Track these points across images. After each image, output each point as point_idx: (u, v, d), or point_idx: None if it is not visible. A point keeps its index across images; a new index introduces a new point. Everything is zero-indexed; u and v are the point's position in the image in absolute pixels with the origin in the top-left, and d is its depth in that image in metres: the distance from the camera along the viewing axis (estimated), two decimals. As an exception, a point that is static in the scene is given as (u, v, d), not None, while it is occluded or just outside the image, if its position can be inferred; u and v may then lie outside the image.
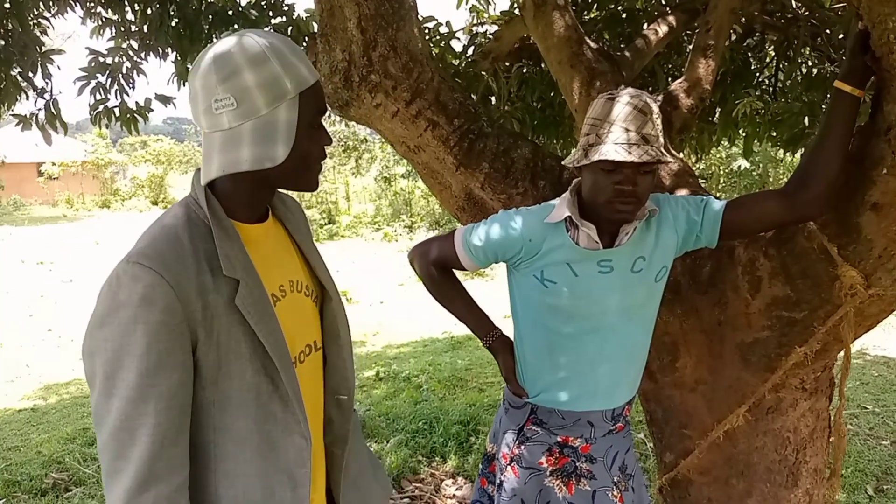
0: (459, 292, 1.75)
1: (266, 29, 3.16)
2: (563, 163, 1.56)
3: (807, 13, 3.15)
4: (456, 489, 3.43)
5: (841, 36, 3.01)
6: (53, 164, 24.26)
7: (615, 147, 1.40)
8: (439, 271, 1.72)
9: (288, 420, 1.10)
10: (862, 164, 1.49)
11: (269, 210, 1.20)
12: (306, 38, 2.78)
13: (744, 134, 3.74)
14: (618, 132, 1.41)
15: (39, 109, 3.40)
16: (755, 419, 1.89)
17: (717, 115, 3.79)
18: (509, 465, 1.64)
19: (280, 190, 1.24)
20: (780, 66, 3.69)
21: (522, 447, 1.63)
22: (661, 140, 1.44)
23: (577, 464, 1.62)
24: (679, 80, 2.60)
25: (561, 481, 1.61)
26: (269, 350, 1.06)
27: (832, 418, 1.93)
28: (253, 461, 1.08)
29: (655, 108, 1.44)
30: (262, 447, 1.09)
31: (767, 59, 3.87)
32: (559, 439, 1.62)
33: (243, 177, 1.08)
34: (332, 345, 1.26)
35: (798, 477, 1.95)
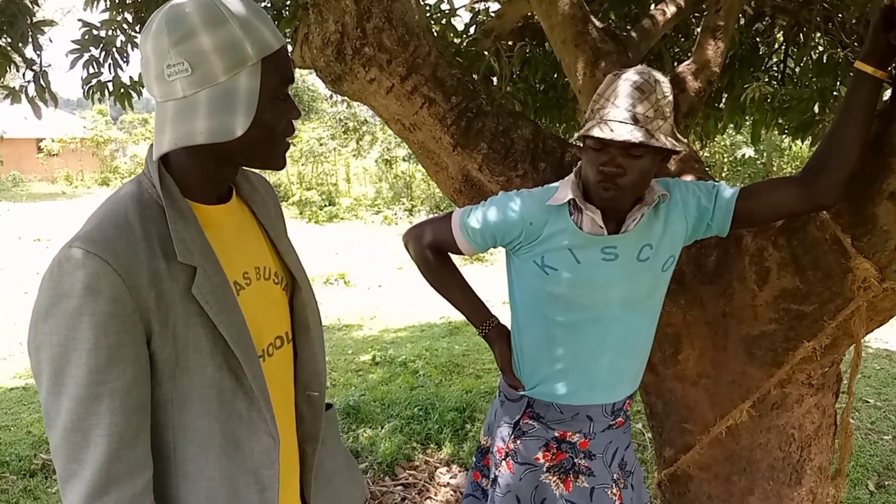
0: (455, 278, 1.67)
1: (263, 4, 3.05)
2: (573, 139, 1.48)
3: (819, -5, 3.05)
4: (450, 477, 3.38)
5: (854, 21, 2.92)
6: (53, 140, 24.13)
7: (600, 124, 1.33)
8: (435, 255, 1.64)
9: (253, 418, 1.02)
10: (880, 150, 1.41)
11: (232, 190, 1.11)
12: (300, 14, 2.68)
13: (750, 120, 3.65)
14: (609, 109, 1.35)
15: (29, 82, 3.31)
16: (759, 415, 1.82)
17: (723, 101, 3.70)
18: (504, 459, 1.58)
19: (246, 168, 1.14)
20: (790, 51, 3.60)
21: (518, 442, 1.57)
22: (661, 123, 1.35)
23: (576, 460, 1.55)
24: (687, 62, 2.52)
25: (558, 478, 1.54)
26: (231, 343, 0.97)
27: (839, 416, 1.87)
28: (216, 462, 1.00)
29: (662, 89, 1.35)
30: (227, 447, 1.00)
31: (776, 45, 3.77)
32: (556, 434, 1.55)
33: (201, 152, 0.99)
34: (302, 337, 1.17)
35: (802, 475, 1.89)
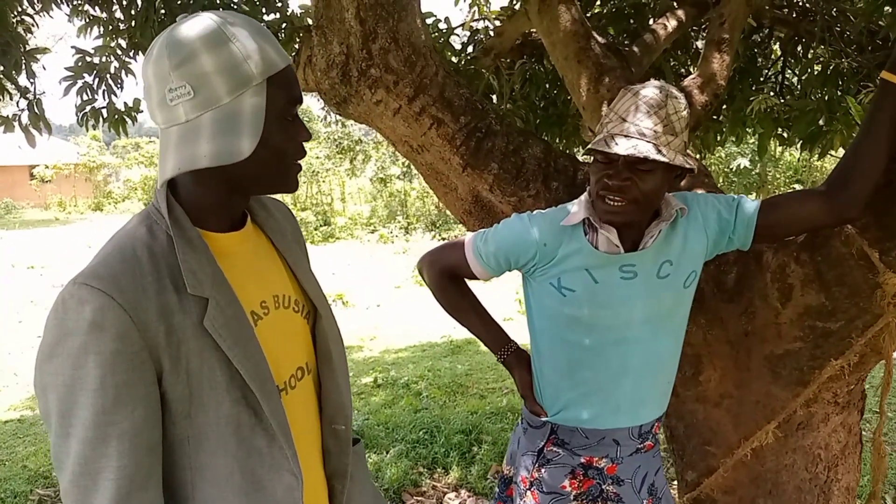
0: (472, 303, 1.63)
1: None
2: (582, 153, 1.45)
3: (820, 7, 3.04)
4: (459, 502, 3.31)
5: (858, 32, 2.90)
6: (46, 166, 24.06)
7: (607, 139, 1.31)
8: (449, 281, 1.60)
9: (275, 455, 0.96)
10: (908, 162, 1.37)
11: (246, 216, 1.07)
12: (300, 35, 2.65)
13: (753, 133, 3.64)
14: (616, 122, 1.33)
15: (23, 110, 3.27)
16: (784, 435, 1.77)
17: (723, 113, 3.68)
18: (529, 489, 1.52)
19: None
20: (787, 62, 3.59)
21: (543, 470, 1.51)
22: (671, 139, 1.32)
23: (603, 486, 1.49)
24: (692, 76, 2.49)
25: None
26: (247, 378, 0.93)
27: (870, 435, 1.82)
28: (236, 503, 0.95)
29: (675, 105, 1.32)
30: (247, 487, 0.95)
31: (774, 56, 3.76)
32: (583, 460, 1.50)
33: (209, 178, 0.95)
34: (324, 368, 1.12)
35: (829, 496, 1.83)
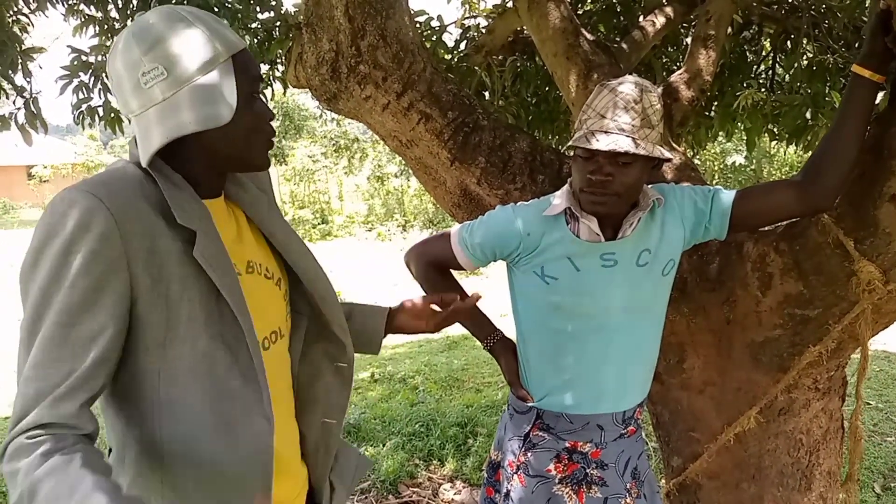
0: (458, 294, 1.67)
1: (253, 25, 3.06)
2: (562, 150, 1.50)
3: (806, 3, 3.08)
4: (454, 493, 3.35)
5: (843, 27, 2.94)
6: (44, 166, 24.05)
7: (588, 135, 1.36)
8: (436, 272, 1.64)
9: (248, 397, 0.97)
10: (880, 153, 1.42)
11: (220, 193, 1.11)
12: (292, 33, 2.68)
13: (743, 128, 3.67)
14: (596, 120, 1.37)
15: (19, 109, 3.30)
16: (766, 421, 1.81)
17: (713, 109, 3.72)
18: (516, 473, 1.56)
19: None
20: (777, 58, 3.63)
21: (529, 454, 1.55)
22: (648, 132, 1.36)
23: (588, 470, 1.54)
24: (679, 72, 2.53)
25: (571, 489, 1.53)
26: (235, 310, 0.94)
27: (847, 419, 1.86)
28: (206, 444, 0.95)
29: (649, 99, 1.37)
30: (218, 426, 0.95)
31: (764, 52, 3.80)
32: (567, 445, 1.54)
33: (188, 154, 0.99)
34: (320, 317, 1.17)
35: (811, 480, 1.87)
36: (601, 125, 1.36)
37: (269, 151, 1.08)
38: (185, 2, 2.96)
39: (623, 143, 1.33)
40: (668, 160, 1.42)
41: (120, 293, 0.89)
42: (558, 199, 1.48)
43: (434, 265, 1.63)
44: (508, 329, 1.66)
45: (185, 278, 0.92)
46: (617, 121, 1.35)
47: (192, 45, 0.94)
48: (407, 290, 9.27)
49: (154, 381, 0.93)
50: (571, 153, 1.46)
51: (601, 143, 1.33)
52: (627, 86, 1.36)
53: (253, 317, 1.02)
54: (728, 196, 1.48)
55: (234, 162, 1.04)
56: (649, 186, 1.49)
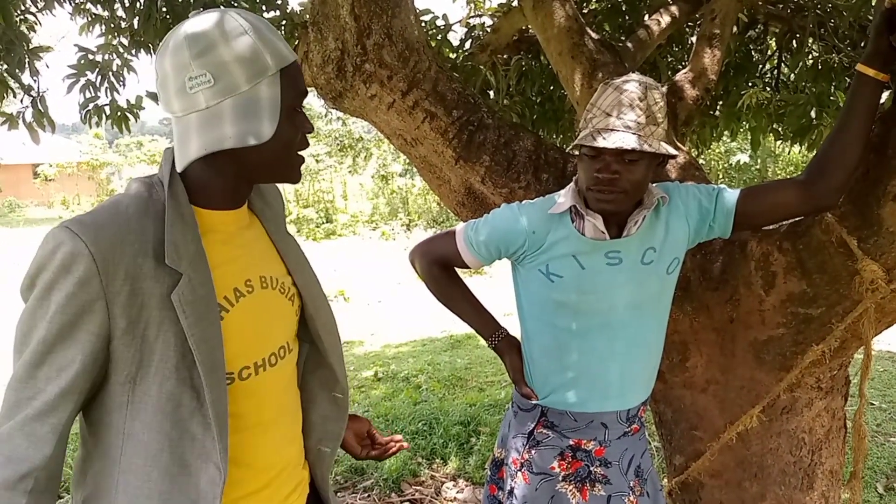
0: (462, 292, 1.68)
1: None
2: (567, 149, 1.50)
3: (812, 2, 3.08)
4: (457, 492, 3.35)
5: (848, 27, 2.94)
6: (49, 165, 24.13)
7: (594, 133, 1.37)
8: (441, 270, 1.65)
9: (206, 444, 0.97)
10: (884, 153, 1.42)
11: (244, 202, 1.11)
12: (298, 32, 2.69)
13: (748, 127, 3.67)
14: (602, 118, 1.38)
15: (26, 107, 3.32)
16: (769, 420, 1.81)
17: (718, 108, 3.72)
18: (519, 470, 1.57)
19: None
20: (783, 57, 3.63)
21: (533, 451, 1.56)
22: (654, 129, 1.37)
23: (591, 468, 1.54)
24: (684, 71, 2.53)
25: (574, 487, 1.53)
26: (198, 360, 0.94)
27: (848, 419, 1.86)
28: (160, 482, 0.96)
29: (654, 96, 1.38)
30: (172, 468, 0.96)
31: (770, 51, 3.80)
32: (571, 442, 1.55)
33: (223, 165, 1.00)
34: (319, 345, 1.19)
35: (814, 479, 1.88)
36: (607, 123, 1.37)
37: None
38: (192, 1, 2.98)
39: (629, 141, 1.33)
40: (674, 156, 1.43)
41: (94, 332, 0.93)
42: (563, 198, 1.49)
43: (439, 263, 1.64)
44: (513, 328, 1.67)
45: (163, 321, 0.94)
46: (623, 119, 1.36)
47: (242, 56, 0.94)
48: (411, 288, 9.28)
49: (122, 413, 0.96)
50: (577, 152, 1.47)
51: (608, 141, 1.34)
52: (632, 84, 1.37)
53: (262, 333, 1.05)
54: (732, 195, 1.49)
55: (267, 174, 1.05)
56: (654, 185, 1.50)
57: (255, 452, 1.08)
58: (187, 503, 0.97)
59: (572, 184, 1.51)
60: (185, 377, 0.95)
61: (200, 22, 0.95)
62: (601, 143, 1.34)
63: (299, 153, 1.05)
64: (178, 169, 0.99)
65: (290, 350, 1.15)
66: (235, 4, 3.05)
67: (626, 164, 1.37)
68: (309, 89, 2.43)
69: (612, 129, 1.36)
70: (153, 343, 0.94)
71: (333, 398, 1.21)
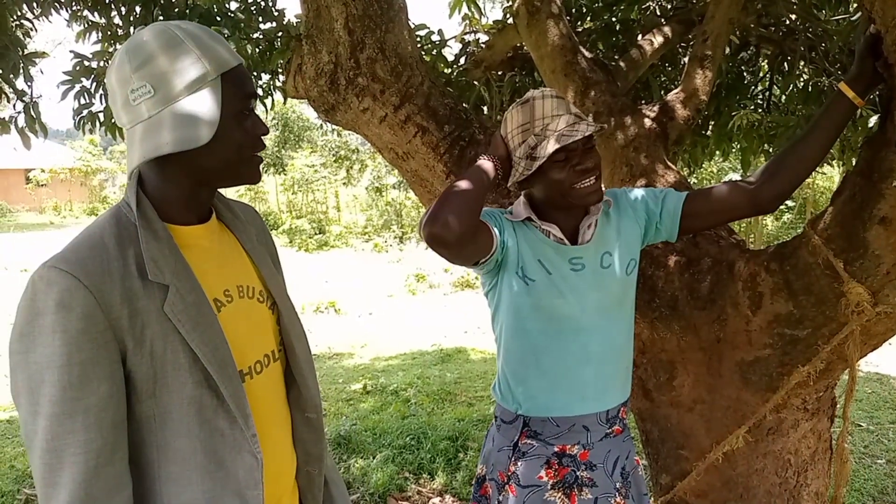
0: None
1: (255, 35, 3.09)
2: (507, 186, 1.50)
3: (803, 26, 3.11)
4: (443, 507, 3.34)
5: (837, 51, 2.97)
6: (42, 170, 24.06)
7: (558, 136, 1.40)
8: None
9: (236, 436, 1.01)
10: (870, 176, 1.43)
11: (212, 212, 1.13)
12: (293, 44, 2.70)
13: (739, 147, 3.70)
14: (552, 122, 1.42)
15: (19, 112, 3.31)
16: (755, 440, 1.81)
17: (710, 128, 3.75)
18: (507, 484, 1.57)
19: (230, 198, 1.18)
20: (774, 79, 3.66)
21: (519, 463, 1.56)
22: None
23: (578, 473, 1.55)
24: (675, 91, 2.55)
25: (563, 493, 1.54)
26: (204, 361, 0.97)
27: (834, 441, 1.86)
28: (200, 483, 0.99)
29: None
30: (209, 466, 1.00)
31: (761, 73, 3.83)
32: (556, 449, 1.55)
33: (174, 172, 1.02)
34: (290, 360, 1.19)
35: (799, 500, 1.87)
36: (567, 120, 1.42)
37: (262, 166, 1.09)
38: (188, 11, 2.98)
39: (592, 123, 1.41)
40: (603, 129, 1.49)
41: (115, 360, 0.94)
42: (518, 208, 1.54)
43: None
44: (489, 342, 1.66)
45: (165, 333, 0.96)
46: (570, 112, 1.43)
47: (180, 65, 0.96)
48: (402, 301, 9.27)
49: (151, 427, 0.98)
50: (530, 171, 1.45)
51: (582, 128, 1.39)
52: (541, 91, 1.44)
53: (243, 342, 1.06)
54: (678, 197, 1.55)
55: (220, 177, 1.06)
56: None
57: None
58: (230, 495, 1.01)
59: (521, 197, 1.55)
60: (200, 379, 0.98)
61: (140, 36, 0.98)
62: (577, 135, 1.38)
63: (256, 154, 1.07)
64: (127, 179, 1.01)
65: (275, 359, 1.15)
66: (231, 15, 3.06)
67: (591, 150, 1.44)
68: (301, 101, 2.43)
69: (572, 124, 1.41)
70: (163, 356, 0.96)
71: (307, 419, 1.20)
